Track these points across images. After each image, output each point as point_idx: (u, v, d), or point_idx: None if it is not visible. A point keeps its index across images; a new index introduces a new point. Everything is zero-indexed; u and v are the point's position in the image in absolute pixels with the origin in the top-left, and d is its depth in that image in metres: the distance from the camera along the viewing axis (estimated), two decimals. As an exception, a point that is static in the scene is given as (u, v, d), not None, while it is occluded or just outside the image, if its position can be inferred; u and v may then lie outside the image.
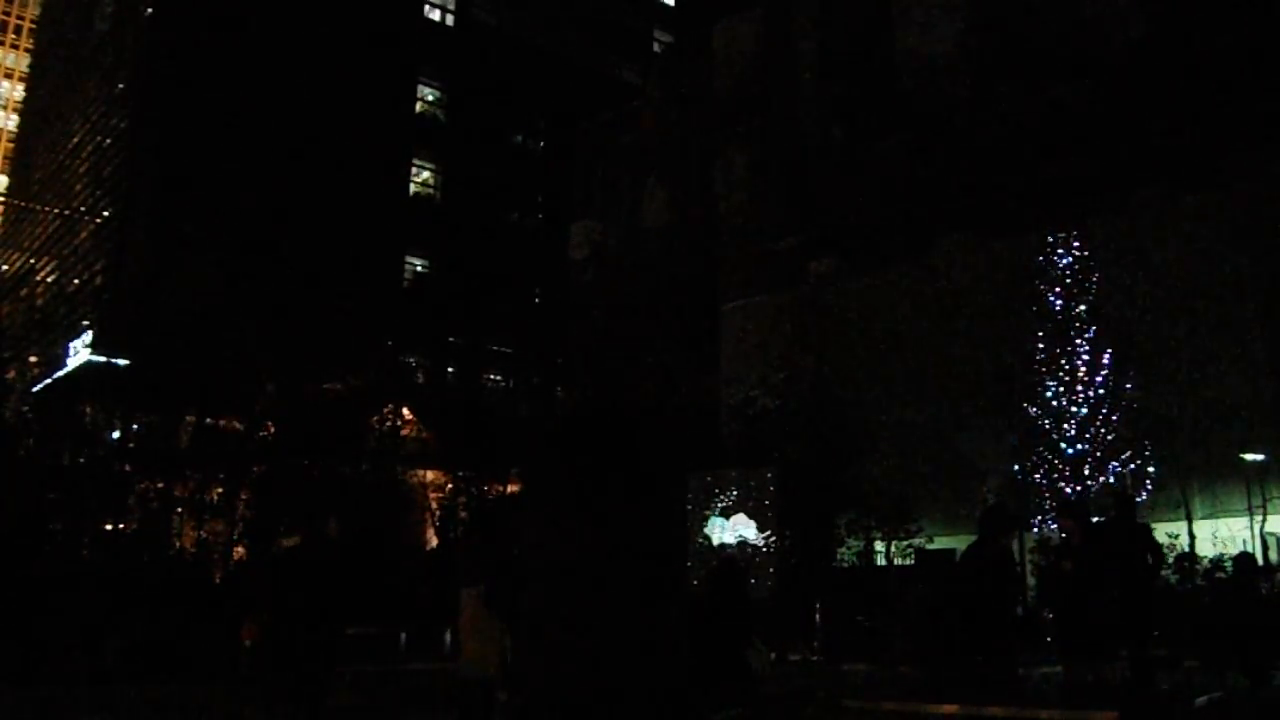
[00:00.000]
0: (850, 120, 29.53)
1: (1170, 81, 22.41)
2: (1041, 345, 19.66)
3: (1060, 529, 8.78)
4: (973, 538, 7.97)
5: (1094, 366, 19.16)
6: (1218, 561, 16.82)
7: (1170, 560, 17.10)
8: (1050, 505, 19.08)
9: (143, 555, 22.54)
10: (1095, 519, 17.23)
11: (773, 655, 10.85)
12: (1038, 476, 19.31)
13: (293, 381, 24.56)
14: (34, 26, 74.77)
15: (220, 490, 24.24)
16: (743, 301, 30.63)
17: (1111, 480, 18.58)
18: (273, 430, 24.59)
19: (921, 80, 28.17)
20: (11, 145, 70.16)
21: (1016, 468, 19.66)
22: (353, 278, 26.64)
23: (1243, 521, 19.49)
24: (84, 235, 42.87)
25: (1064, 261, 19.84)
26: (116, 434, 27.26)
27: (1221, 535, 19.14)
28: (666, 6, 55.02)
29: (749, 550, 17.77)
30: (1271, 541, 19.34)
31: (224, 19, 38.04)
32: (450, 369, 36.97)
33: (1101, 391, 19.11)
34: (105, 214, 40.68)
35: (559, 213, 41.85)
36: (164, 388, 24.79)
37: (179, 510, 24.29)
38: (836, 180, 28.86)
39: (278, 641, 7.23)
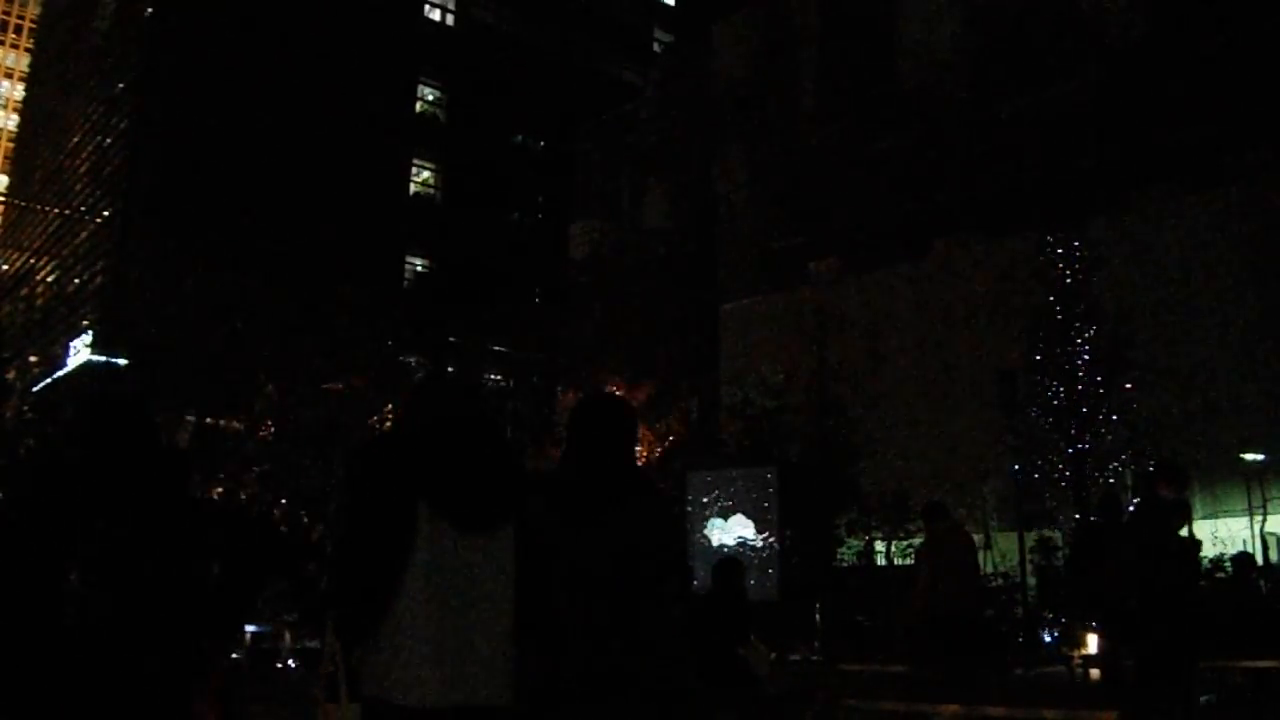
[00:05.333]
0: (850, 120, 29.53)
1: (1170, 81, 22.42)
2: (1041, 345, 19.63)
3: None
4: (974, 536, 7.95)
5: (1094, 366, 19.14)
6: (1218, 561, 16.79)
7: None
8: (1050, 506, 19.09)
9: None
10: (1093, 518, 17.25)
11: (773, 655, 10.84)
12: (1037, 477, 19.29)
13: (292, 381, 24.56)
14: (34, 26, 74.77)
15: (220, 490, 24.24)
16: (743, 301, 30.63)
17: (1111, 480, 18.57)
18: (273, 430, 24.60)
19: (921, 80, 28.17)
20: (11, 145, 70.15)
21: (1016, 467, 19.64)
22: (353, 277, 26.63)
23: (1243, 521, 19.50)
24: (84, 235, 42.86)
25: (1064, 261, 19.82)
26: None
27: (1221, 535, 19.14)
28: (666, 6, 55.02)
29: (748, 550, 17.77)
30: (1271, 541, 19.34)
31: (224, 19, 38.04)
32: (450, 369, 36.97)
33: (1101, 391, 19.09)
34: (105, 214, 40.67)
35: (559, 213, 41.83)
36: (164, 388, 24.76)
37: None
38: (836, 180, 28.87)
39: None
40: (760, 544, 17.83)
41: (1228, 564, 14.37)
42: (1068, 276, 19.72)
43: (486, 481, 2.65)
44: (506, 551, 2.65)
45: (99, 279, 40.00)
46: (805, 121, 31.33)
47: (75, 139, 46.92)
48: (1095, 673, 10.40)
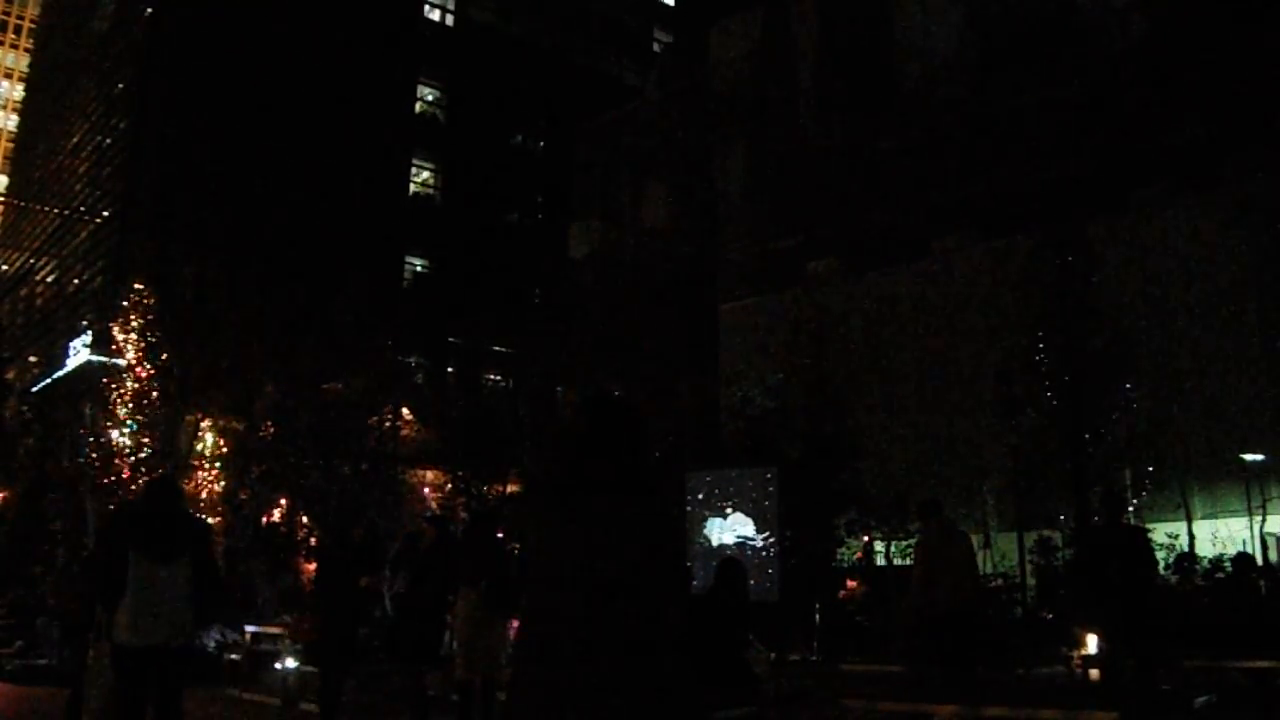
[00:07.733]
0: (850, 120, 29.52)
1: (1170, 81, 22.41)
2: (1041, 345, 19.60)
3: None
4: (974, 536, 7.95)
5: (1094, 367, 19.11)
6: (1217, 561, 16.81)
7: (1170, 560, 17.10)
8: (1049, 506, 19.06)
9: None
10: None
11: (772, 655, 10.84)
12: (1037, 478, 19.24)
13: (292, 381, 24.53)
14: (34, 26, 74.77)
15: (220, 490, 24.25)
16: (743, 301, 30.63)
17: (1109, 480, 18.54)
18: (272, 430, 24.56)
19: (921, 80, 28.17)
20: (11, 145, 70.14)
21: (1016, 467, 19.61)
22: (353, 277, 26.60)
23: (1243, 521, 19.50)
24: (84, 235, 42.84)
25: (1063, 261, 19.78)
26: (116, 434, 27.21)
27: (1221, 535, 19.14)
28: (666, 6, 55.00)
29: (748, 550, 17.76)
30: (1271, 541, 19.34)
31: (224, 19, 38.02)
32: (450, 369, 36.98)
33: (1102, 391, 19.06)
34: (105, 214, 40.66)
35: (559, 213, 41.81)
36: (164, 388, 24.74)
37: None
38: (836, 180, 28.86)
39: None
40: (760, 544, 17.82)
41: (1228, 564, 14.38)
42: (1067, 277, 19.68)
43: (164, 537, 5.70)
44: (185, 570, 5.67)
45: (99, 279, 39.97)
46: (805, 122, 31.32)
47: (75, 139, 46.90)
48: (1095, 673, 10.41)
